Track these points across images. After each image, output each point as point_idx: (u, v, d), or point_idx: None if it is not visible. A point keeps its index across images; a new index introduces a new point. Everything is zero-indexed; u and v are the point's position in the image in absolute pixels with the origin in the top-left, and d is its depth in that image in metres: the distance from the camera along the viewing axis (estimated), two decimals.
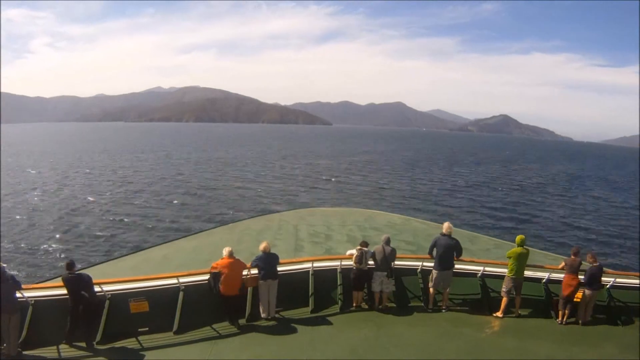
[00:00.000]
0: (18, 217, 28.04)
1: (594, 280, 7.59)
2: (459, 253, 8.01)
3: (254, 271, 7.53)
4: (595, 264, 7.60)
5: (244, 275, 7.42)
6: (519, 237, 7.89)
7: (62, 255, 20.27)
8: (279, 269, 7.66)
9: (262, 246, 7.40)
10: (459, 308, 8.15)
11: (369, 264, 7.89)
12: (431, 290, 8.02)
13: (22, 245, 22.05)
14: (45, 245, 22.03)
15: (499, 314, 7.91)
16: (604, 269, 7.84)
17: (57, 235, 23.93)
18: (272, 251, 7.52)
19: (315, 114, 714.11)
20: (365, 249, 7.82)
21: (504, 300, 7.87)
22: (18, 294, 6.49)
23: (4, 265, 6.38)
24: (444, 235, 7.92)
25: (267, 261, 7.38)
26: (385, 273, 7.79)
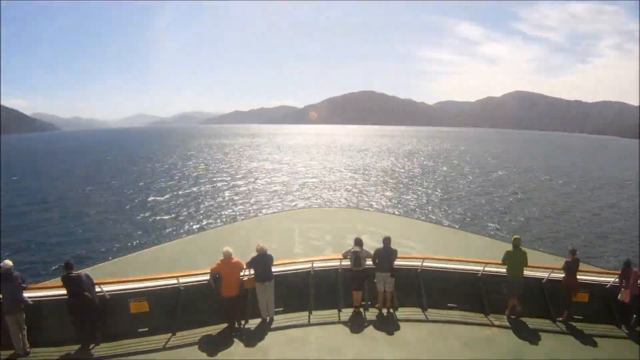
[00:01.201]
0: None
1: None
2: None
3: (253, 272, 7.54)
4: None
5: (242, 276, 7.42)
6: (513, 238, 8.03)
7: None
8: (279, 269, 7.63)
9: (257, 247, 7.40)
10: (458, 308, 8.15)
11: (367, 265, 7.88)
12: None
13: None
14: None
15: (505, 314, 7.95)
16: (605, 269, 7.87)
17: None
18: (271, 251, 7.51)
19: None
20: (359, 249, 7.78)
21: (507, 301, 7.94)
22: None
23: (5, 262, 6.38)
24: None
25: (262, 263, 7.37)
26: (389, 273, 7.82)
